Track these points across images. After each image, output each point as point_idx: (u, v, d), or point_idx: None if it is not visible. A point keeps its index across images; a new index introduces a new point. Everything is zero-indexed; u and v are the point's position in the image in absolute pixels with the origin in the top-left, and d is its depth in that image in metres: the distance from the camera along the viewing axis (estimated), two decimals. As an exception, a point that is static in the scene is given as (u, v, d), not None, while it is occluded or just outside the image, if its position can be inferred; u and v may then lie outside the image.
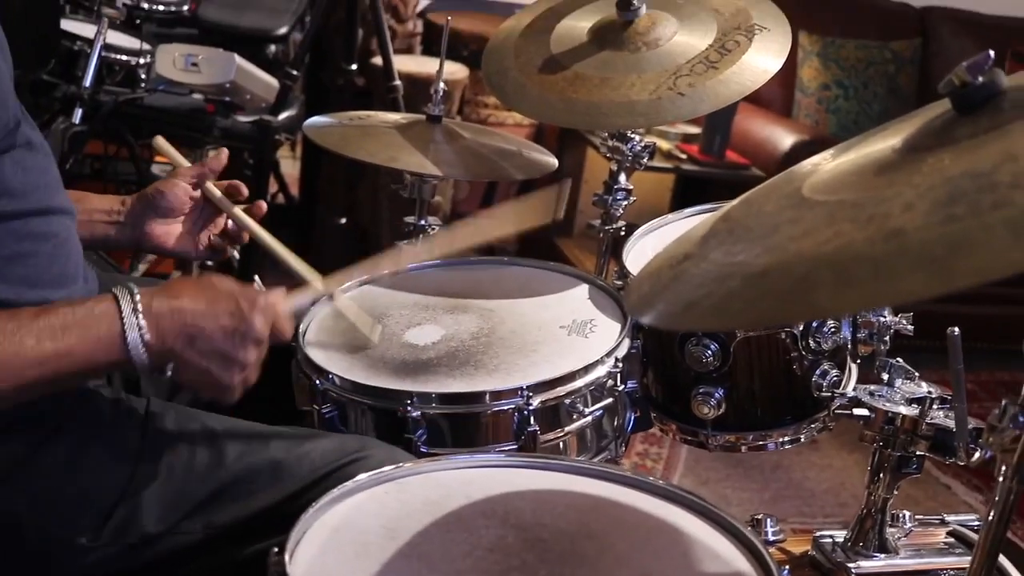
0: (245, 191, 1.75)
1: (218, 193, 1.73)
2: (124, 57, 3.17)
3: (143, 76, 3.21)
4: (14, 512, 1.35)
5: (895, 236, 0.80)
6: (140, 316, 1.29)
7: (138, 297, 1.30)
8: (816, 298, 0.80)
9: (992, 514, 1.13)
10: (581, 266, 1.97)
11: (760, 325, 1.54)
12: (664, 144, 4.47)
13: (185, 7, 3.76)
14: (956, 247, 0.74)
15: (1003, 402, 1.07)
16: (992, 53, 0.98)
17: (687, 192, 4.52)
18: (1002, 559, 1.50)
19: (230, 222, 1.76)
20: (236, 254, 3.36)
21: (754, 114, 4.71)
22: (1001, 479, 1.10)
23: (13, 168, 1.39)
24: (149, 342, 1.29)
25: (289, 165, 4.84)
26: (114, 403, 1.46)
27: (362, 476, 1.26)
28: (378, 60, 3.67)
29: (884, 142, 1.07)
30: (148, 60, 3.19)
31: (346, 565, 1.12)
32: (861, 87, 5.01)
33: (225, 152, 1.77)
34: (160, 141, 1.83)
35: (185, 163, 1.80)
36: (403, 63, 3.80)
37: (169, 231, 1.74)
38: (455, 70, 4.21)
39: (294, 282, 1.70)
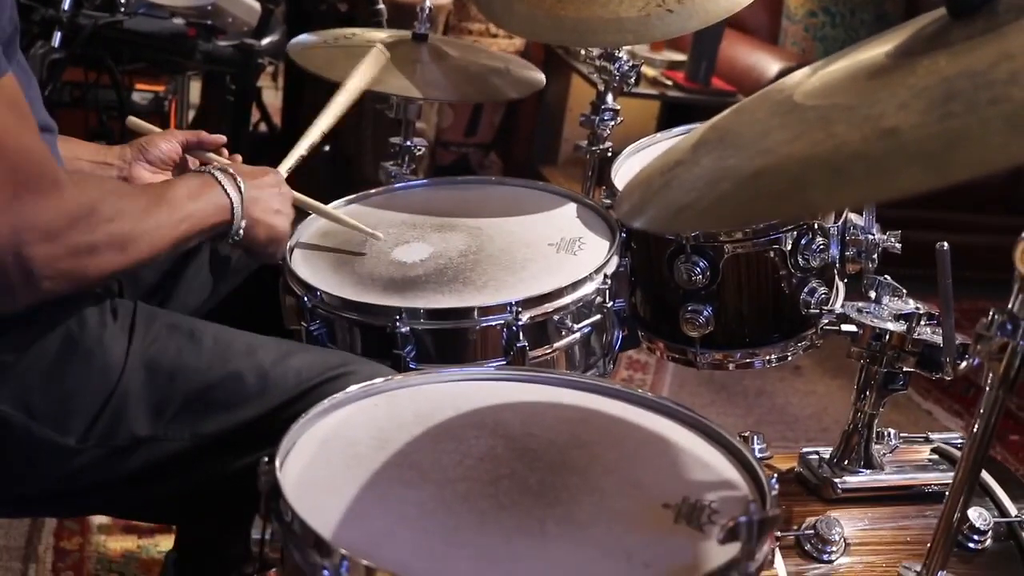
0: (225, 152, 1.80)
1: (207, 156, 1.77)
2: (103, -20, 3.12)
3: (122, 0, 3.16)
4: (1, 416, 1.34)
5: (890, 135, 0.80)
6: (240, 190, 1.52)
7: (237, 178, 1.52)
8: (810, 196, 0.80)
9: (977, 424, 1.14)
10: (563, 187, 1.96)
11: (752, 223, 1.55)
12: (650, 71, 4.45)
13: (164, -70, 3.70)
14: (953, 142, 0.74)
15: (991, 311, 1.08)
16: (989, -44, 0.97)
17: (672, 119, 4.49)
18: (984, 475, 1.52)
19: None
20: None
21: (740, 41, 4.68)
22: (988, 388, 1.11)
23: None
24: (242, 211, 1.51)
25: (271, 95, 4.80)
26: (101, 306, 1.45)
27: (352, 388, 1.25)
28: (361, -16, 3.63)
29: (876, 50, 1.06)
30: (128, -17, 3.15)
31: (337, 475, 1.12)
32: (848, 14, 4.98)
33: (223, 138, 1.80)
34: (133, 120, 1.88)
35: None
36: (386, -13, 3.76)
37: (155, 180, 1.74)
38: (440, -6, 4.17)
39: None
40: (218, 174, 1.52)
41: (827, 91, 1.00)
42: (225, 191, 1.50)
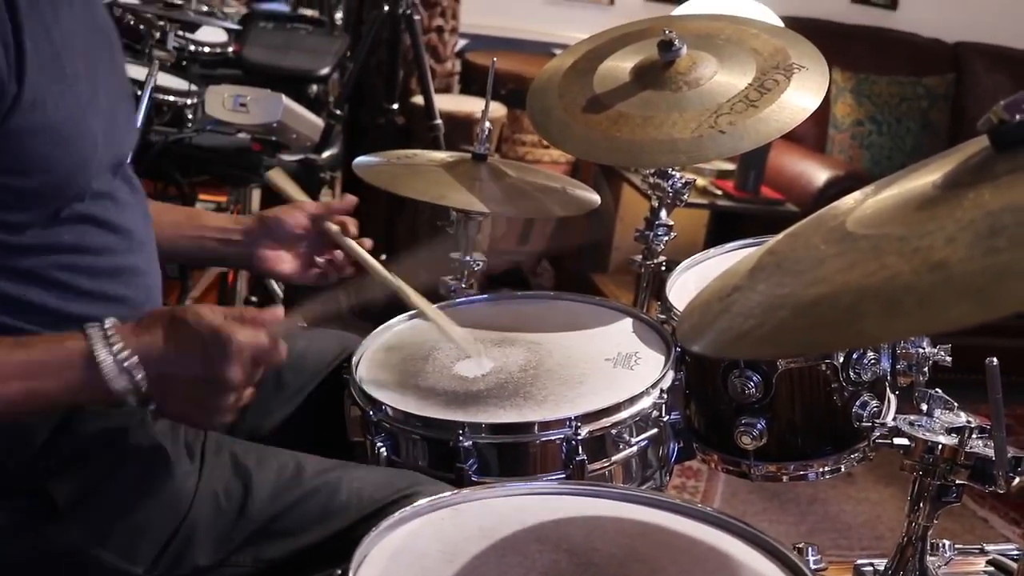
0: (354, 228, 1.80)
1: (336, 229, 1.79)
2: (172, 98, 3.23)
3: (190, 116, 3.27)
4: (74, 545, 1.37)
5: (939, 268, 0.84)
6: (119, 355, 1.26)
7: (115, 340, 1.27)
8: (865, 326, 0.84)
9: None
10: (617, 301, 2.00)
11: (811, 352, 1.58)
12: (699, 180, 4.51)
13: (230, 48, 3.84)
14: (999, 277, 0.78)
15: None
16: (1029, 92, 1.01)
17: (722, 228, 4.55)
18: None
19: (338, 253, 1.83)
20: (280, 291, 3.41)
21: (788, 150, 4.74)
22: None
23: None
24: (137, 382, 1.28)
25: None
26: (173, 437, 1.47)
27: (421, 502, 1.30)
28: (419, 99, 3.74)
29: (924, 178, 1.10)
30: (195, 100, 3.26)
31: (407, 587, 1.16)
32: (894, 123, 5.04)
33: (354, 198, 1.83)
34: (273, 176, 1.91)
35: (303, 196, 1.88)
36: (442, 102, 3.87)
37: (280, 256, 1.80)
38: (494, 108, 4.27)
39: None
40: (97, 347, 1.26)
41: (878, 220, 1.04)
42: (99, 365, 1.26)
